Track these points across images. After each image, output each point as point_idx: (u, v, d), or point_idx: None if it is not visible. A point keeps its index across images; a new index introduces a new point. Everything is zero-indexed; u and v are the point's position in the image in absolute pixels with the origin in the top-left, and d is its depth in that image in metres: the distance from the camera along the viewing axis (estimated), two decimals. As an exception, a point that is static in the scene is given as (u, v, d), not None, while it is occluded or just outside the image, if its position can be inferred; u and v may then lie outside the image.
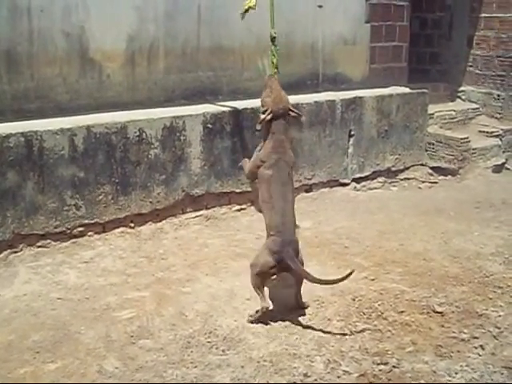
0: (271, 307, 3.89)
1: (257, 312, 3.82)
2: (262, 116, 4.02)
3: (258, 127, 4.09)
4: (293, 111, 4.12)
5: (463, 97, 7.93)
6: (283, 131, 4.06)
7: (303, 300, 4.01)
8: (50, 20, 4.96)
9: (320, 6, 5.63)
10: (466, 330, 3.74)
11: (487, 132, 7.40)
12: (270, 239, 3.85)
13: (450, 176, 6.90)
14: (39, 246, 4.75)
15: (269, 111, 4.00)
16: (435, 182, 6.85)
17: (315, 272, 4.42)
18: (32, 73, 4.97)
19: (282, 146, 4.04)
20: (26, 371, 3.31)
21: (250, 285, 4.21)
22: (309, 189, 6.18)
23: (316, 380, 3.27)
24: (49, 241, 4.79)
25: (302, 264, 3.91)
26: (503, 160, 7.28)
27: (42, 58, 4.99)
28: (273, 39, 4.46)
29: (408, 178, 6.90)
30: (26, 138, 4.62)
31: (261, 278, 3.82)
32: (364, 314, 3.91)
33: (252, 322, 3.80)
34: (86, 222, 4.94)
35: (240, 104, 5.72)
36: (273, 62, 4.44)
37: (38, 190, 4.70)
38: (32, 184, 4.67)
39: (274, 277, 3.96)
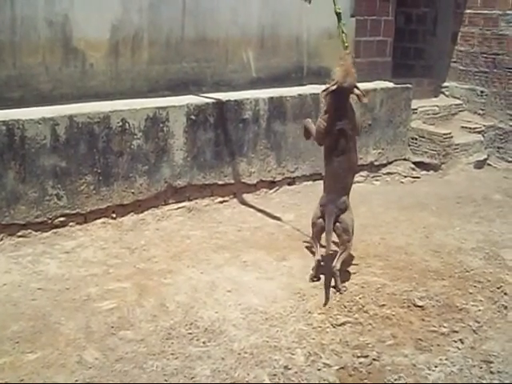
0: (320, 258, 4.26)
1: (312, 269, 4.26)
2: (328, 86, 4.15)
3: (322, 96, 4.40)
4: (358, 89, 4.19)
5: (447, 92, 7.95)
6: (345, 104, 4.22)
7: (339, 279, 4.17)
8: (33, 8, 4.91)
9: (309, 3, 5.64)
10: (445, 324, 3.76)
11: (470, 128, 7.42)
12: (321, 196, 4.32)
13: (432, 171, 6.92)
14: (20, 236, 4.71)
15: (334, 82, 4.12)
16: (417, 177, 6.88)
17: (297, 265, 4.46)
18: (14, 61, 4.92)
19: (344, 115, 4.20)
20: (5, 361, 3.28)
21: (231, 277, 4.24)
22: (292, 182, 6.18)
23: (296, 372, 3.28)
24: (30, 231, 4.76)
25: (344, 229, 4.21)
26: (485, 156, 7.32)
27: (25, 46, 4.94)
28: (338, 15, 4.48)
29: (391, 173, 6.91)
30: (8, 127, 4.58)
31: (314, 230, 4.30)
32: (345, 307, 3.91)
33: (312, 280, 4.23)
34: (68, 212, 4.91)
35: (224, 96, 5.71)
36: (343, 40, 4.42)
37: (19, 180, 4.66)
38: (13, 173, 4.63)
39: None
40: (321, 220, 4.22)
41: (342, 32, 4.43)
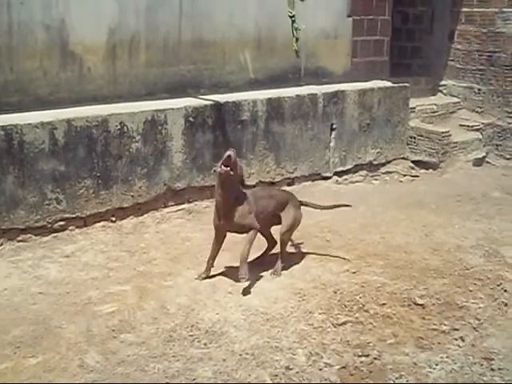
0: None
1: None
2: None
3: None
4: None
5: (444, 91, 7.97)
6: None
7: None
8: (29, 12, 4.92)
9: (302, 0, 5.66)
10: (446, 322, 3.77)
11: (468, 126, 7.45)
12: (292, 197, 4.59)
13: (431, 169, 6.93)
14: (20, 241, 4.72)
15: None
16: (416, 176, 6.89)
17: (297, 265, 4.46)
18: (12, 66, 4.93)
19: None
20: (7, 366, 3.29)
21: (231, 278, 4.24)
22: (291, 182, 6.19)
23: (298, 372, 3.28)
24: (29, 235, 4.76)
25: None
26: (484, 154, 7.33)
27: (22, 50, 4.95)
28: (291, 17, 4.58)
29: (389, 172, 6.92)
30: (6, 132, 4.58)
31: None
32: (345, 306, 3.92)
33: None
34: (67, 216, 4.91)
35: (221, 97, 5.72)
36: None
37: (18, 184, 4.66)
38: (12, 178, 4.64)
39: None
40: None
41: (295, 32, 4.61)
